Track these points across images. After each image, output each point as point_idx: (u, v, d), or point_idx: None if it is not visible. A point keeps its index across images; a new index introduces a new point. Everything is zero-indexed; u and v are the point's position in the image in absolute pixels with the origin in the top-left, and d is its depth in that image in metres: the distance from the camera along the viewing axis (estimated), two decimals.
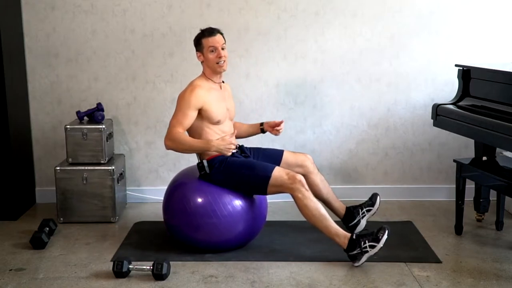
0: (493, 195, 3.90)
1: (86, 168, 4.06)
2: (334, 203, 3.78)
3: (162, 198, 3.67)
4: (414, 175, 4.56)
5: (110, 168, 4.07)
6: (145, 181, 4.55)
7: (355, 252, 3.28)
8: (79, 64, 4.40)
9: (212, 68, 3.52)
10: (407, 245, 3.62)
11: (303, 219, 3.45)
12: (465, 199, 3.77)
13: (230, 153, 3.44)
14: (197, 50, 3.55)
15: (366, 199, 3.86)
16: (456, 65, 3.84)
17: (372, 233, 3.30)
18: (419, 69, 4.42)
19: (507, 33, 4.38)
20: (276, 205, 4.28)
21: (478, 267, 3.32)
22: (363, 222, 3.75)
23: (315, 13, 4.35)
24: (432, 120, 3.89)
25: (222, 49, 3.50)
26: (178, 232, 3.51)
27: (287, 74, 4.43)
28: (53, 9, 4.33)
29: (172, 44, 4.37)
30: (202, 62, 3.56)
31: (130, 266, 3.22)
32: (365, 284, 3.13)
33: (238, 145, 3.63)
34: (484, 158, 3.77)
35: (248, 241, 3.59)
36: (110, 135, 4.22)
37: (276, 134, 3.76)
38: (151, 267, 3.19)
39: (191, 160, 4.30)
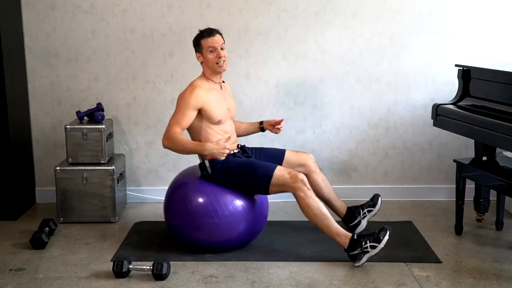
0: (493, 195, 3.90)
1: (86, 168, 4.06)
2: (335, 203, 3.78)
3: (162, 198, 3.68)
4: (414, 175, 4.56)
5: (110, 168, 4.07)
6: (145, 181, 4.55)
7: (355, 252, 3.28)
8: (79, 64, 4.40)
9: (212, 69, 3.52)
10: (407, 245, 3.62)
11: (303, 219, 3.45)
12: (465, 199, 3.77)
13: (223, 157, 3.41)
14: (196, 51, 3.55)
15: (366, 199, 3.86)
16: (456, 65, 3.84)
17: (374, 233, 3.30)
18: (419, 69, 4.42)
19: (507, 33, 4.38)
20: (276, 205, 4.28)
21: (478, 267, 3.32)
22: (363, 223, 3.75)
23: (315, 13, 4.35)
24: (432, 120, 3.88)
25: (222, 49, 3.50)
26: (179, 232, 3.51)
27: (287, 74, 4.43)
28: (53, 9, 4.33)
29: (172, 44, 4.37)
30: (201, 63, 3.56)
31: (130, 266, 3.22)
32: (365, 284, 3.13)
33: (239, 145, 3.63)
34: (484, 158, 3.77)
35: (249, 241, 3.59)
36: (110, 135, 4.22)
37: (276, 133, 3.76)
38: (151, 267, 3.19)
39: (191, 160, 4.30)
